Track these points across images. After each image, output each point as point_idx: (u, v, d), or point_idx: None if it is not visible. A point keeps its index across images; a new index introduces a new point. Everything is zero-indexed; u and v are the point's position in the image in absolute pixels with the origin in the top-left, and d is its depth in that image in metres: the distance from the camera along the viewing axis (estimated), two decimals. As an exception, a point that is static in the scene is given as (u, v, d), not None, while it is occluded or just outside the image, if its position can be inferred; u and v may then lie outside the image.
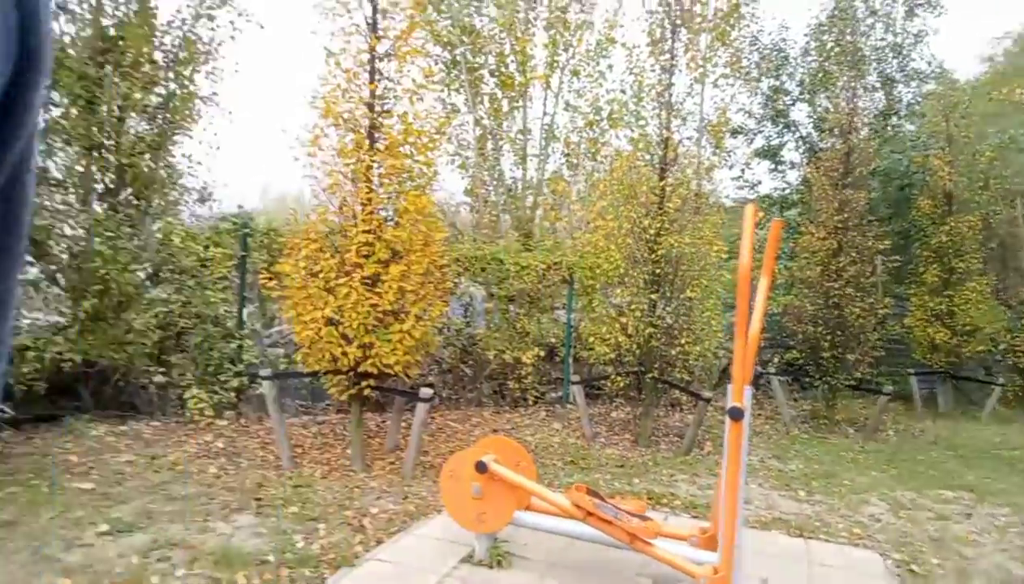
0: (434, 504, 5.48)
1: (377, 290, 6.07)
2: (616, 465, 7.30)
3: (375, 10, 6.53)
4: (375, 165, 6.35)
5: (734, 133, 16.84)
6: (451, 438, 7.96)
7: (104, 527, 4.58)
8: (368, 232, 6.13)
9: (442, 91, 12.78)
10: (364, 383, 6.30)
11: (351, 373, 6.23)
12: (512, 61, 13.15)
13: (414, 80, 6.69)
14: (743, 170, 17.56)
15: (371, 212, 6.23)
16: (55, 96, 9.06)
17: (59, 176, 9.12)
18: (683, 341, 8.20)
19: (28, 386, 6.83)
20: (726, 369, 10.39)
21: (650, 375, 8.33)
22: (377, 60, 6.55)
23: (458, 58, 12.59)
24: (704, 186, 9.48)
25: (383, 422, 8.33)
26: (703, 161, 11.64)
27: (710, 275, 8.49)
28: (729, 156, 16.55)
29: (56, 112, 8.96)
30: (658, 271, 8.35)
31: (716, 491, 4.30)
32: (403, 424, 7.54)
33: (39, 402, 7.06)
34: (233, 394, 7.73)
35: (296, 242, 6.27)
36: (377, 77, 6.54)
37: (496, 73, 13.31)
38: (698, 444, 8.41)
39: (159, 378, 7.61)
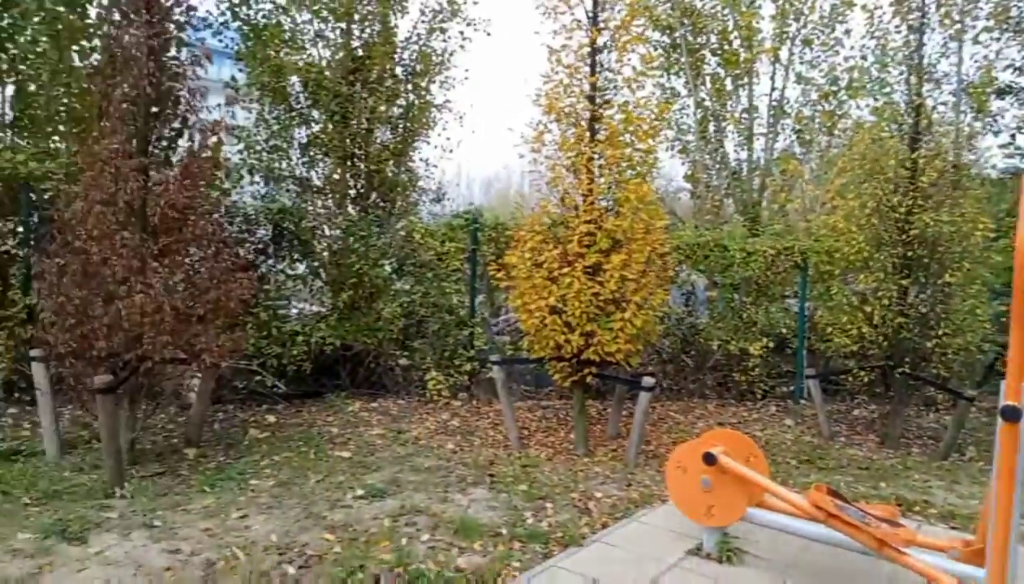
0: (658, 493, 5.44)
1: (599, 279, 6.14)
2: (859, 467, 6.72)
3: (595, 3, 6.60)
4: (596, 156, 6.42)
5: (1000, 94, 14.50)
6: (673, 429, 7.84)
7: (360, 492, 5.15)
8: (589, 222, 6.22)
9: (661, 76, 12.55)
10: (586, 370, 6.42)
11: (574, 360, 6.38)
12: (736, 37, 12.54)
13: (634, 68, 6.67)
14: (1013, 136, 15.07)
15: (592, 202, 6.32)
16: (315, 114, 10.35)
17: (319, 184, 10.41)
18: (941, 332, 7.30)
19: (298, 366, 7.89)
20: (993, 365, 9.05)
21: (900, 370, 7.53)
22: (597, 52, 6.62)
23: (678, 41, 12.27)
24: (964, 156, 8.32)
25: (604, 409, 8.42)
26: (963, 128, 10.23)
27: (974, 257, 7.46)
28: (995, 121, 14.32)
29: (316, 128, 10.24)
30: (910, 254, 7.51)
31: (984, 501, 3.79)
32: (624, 412, 7.58)
33: (306, 380, 8.12)
34: (466, 377, 8.29)
35: (522, 234, 6.55)
36: (598, 69, 6.61)
37: (718, 52, 12.77)
38: (958, 448, 7.45)
39: (403, 361, 8.39)
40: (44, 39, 8.43)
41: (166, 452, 6.05)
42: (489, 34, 11.04)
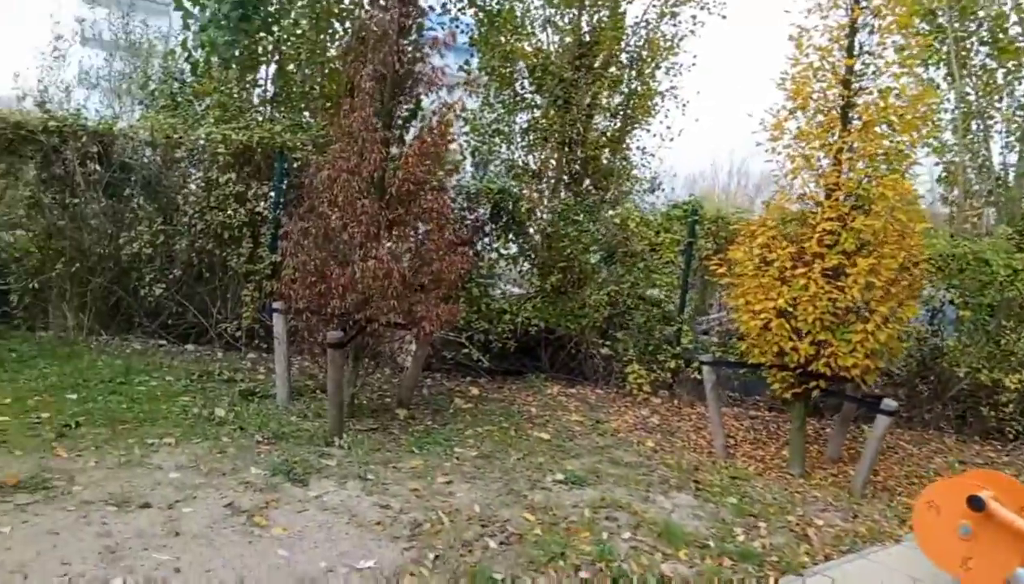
0: (889, 530, 4.81)
1: (839, 283, 5.51)
2: None
3: (860, -21, 5.93)
4: (846, 147, 5.77)
5: None
6: (905, 461, 6.93)
7: (560, 476, 5.05)
8: (833, 219, 5.60)
9: (920, 65, 11.16)
10: (813, 383, 5.81)
11: (799, 371, 5.79)
12: (1016, 23, 10.81)
13: (901, 51, 5.92)
14: None
15: (837, 198, 5.69)
16: (537, 99, 10.45)
17: (535, 168, 10.51)
18: None
19: (503, 344, 7.99)
20: None
21: None
22: (856, 33, 5.97)
23: (942, 26, 10.81)
24: None
25: (821, 428, 7.68)
26: None
27: None
28: None
29: (537, 113, 10.32)
30: None
31: None
32: (847, 435, 6.84)
33: (508, 358, 8.20)
34: (669, 375, 7.92)
35: (752, 229, 6.07)
36: (855, 52, 5.95)
37: (989, 41, 11.09)
38: None
39: (604, 350, 8.19)
40: (304, 22, 9.26)
41: (380, 410, 6.37)
42: (724, 17, 10.44)
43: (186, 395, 5.94)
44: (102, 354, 6.86)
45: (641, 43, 10.33)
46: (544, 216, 8.91)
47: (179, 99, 9.04)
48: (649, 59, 10.33)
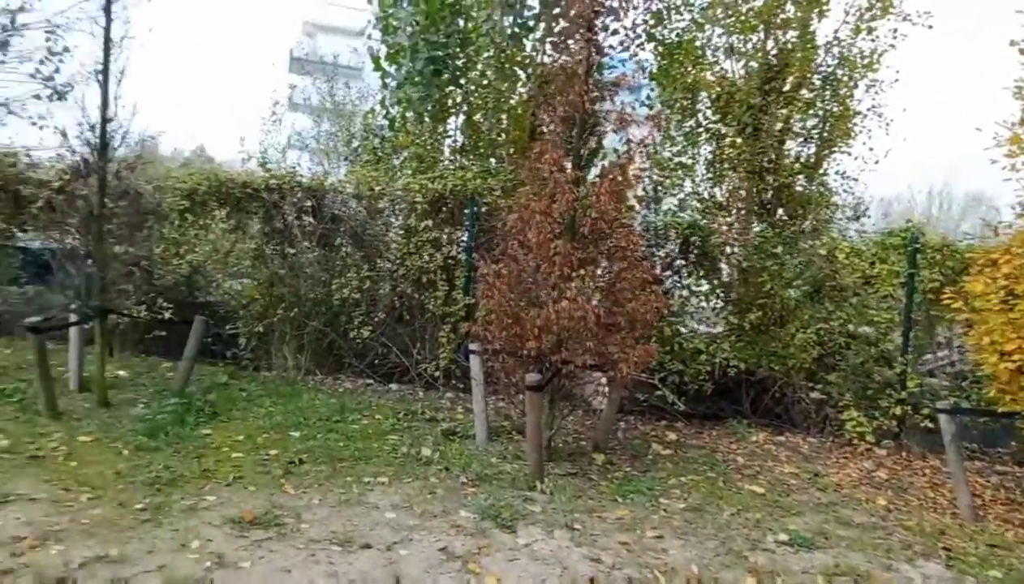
0: None
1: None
2: None
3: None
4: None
5: None
6: None
7: (783, 536, 4.60)
8: (1102, 243, 4.76)
9: None
10: (1086, 437, 4.91)
11: (1066, 421, 4.93)
12: None
13: None
14: None
15: (1106, 218, 4.84)
16: (721, 128, 10.03)
17: (722, 200, 10.06)
18: None
19: (699, 386, 7.57)
20: None
21: None
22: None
23: None
24: None
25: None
26: None
27: None
28: None
29: (724, 142, 9.90)
30: None
31: None
32: None
33: (705, 401, 7.75)
34: (894, 422, 7.08)
35: (992, 257, 5.32)
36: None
37: None
38: None
39: (815, 394, 7.50)
40: (489, 72, 9.59)
41: (576, 454, 6.23)
42: (931, 28, 9.49)
43: (394, 433, 6.16)
44: (318, 393, 7.34)
45: (835, 62, 9.63)
46: (736, 250, 8.43)
47: (379, 154, 9.68)
48: (846, 78, 9.60)
